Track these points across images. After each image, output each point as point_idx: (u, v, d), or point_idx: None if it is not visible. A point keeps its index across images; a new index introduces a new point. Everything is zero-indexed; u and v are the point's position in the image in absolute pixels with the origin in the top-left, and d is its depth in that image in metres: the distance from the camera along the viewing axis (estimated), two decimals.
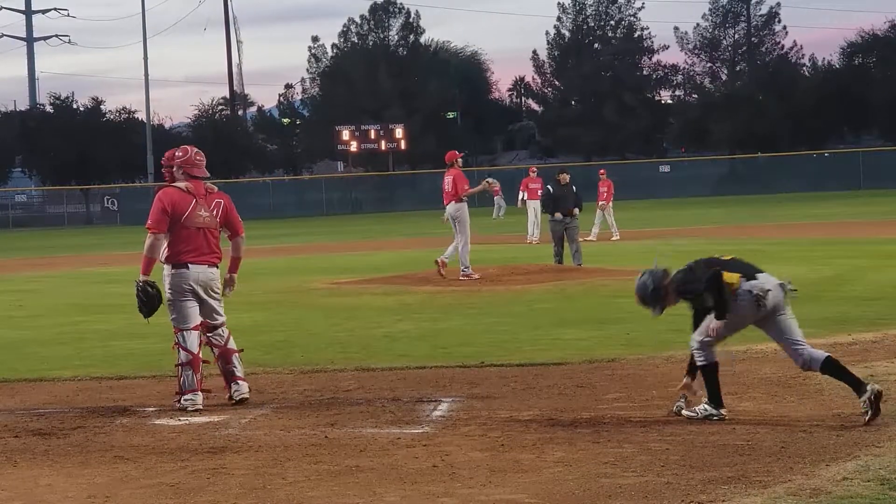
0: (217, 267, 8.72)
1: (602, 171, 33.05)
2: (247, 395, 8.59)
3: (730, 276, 7.23)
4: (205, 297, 8.62)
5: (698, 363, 7.43)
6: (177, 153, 8.80)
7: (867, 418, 6.95)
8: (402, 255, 25.46)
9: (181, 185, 8.66)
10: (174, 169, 8.76)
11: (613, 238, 29.48)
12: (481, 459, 6.55)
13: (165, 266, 8.63)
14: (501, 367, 9.82)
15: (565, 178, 21.02)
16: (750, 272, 7.35)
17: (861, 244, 23.36)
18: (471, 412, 7.92)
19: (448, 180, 18.56)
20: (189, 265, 8.54)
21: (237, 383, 8.62)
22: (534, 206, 29.47)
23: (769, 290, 7.23)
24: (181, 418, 8.16)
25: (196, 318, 8.60)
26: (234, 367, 8.66)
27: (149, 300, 8.63)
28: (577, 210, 20.60)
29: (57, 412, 8.55)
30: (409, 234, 37.61)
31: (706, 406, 7.37)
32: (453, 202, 18.40)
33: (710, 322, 7.30)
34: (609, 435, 7.04)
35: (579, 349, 10.62)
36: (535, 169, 33.10)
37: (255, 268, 23.69)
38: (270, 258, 27.27)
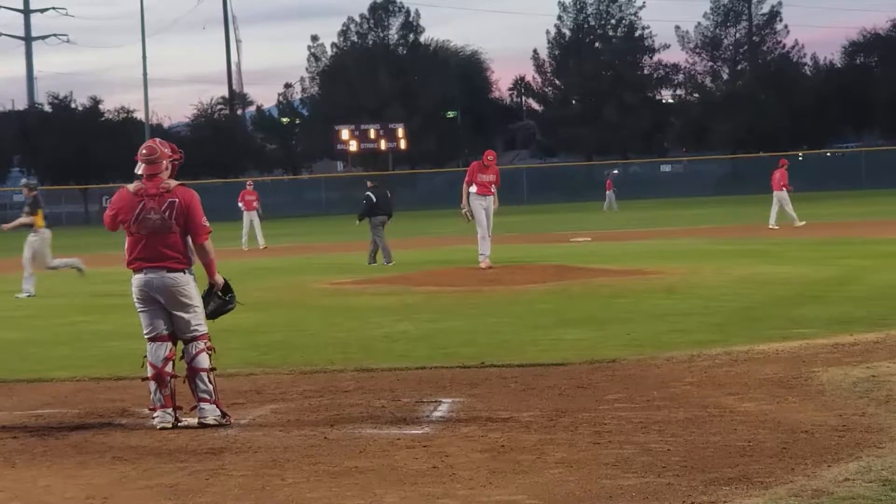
0: (183, 272, 7.85)
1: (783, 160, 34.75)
2: (210, 422, 7.74)
3: None
4: (168, 305, 7.86)
5: None
6: None
7: None
8: (402, 255, 25.39)
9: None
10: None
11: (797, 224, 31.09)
12: (481, 460, 6.52)
13: None
14: (502, 368, 9.77)
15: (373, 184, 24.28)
16: None
17: (863, 244, 23.31)
18: (471, 413, 7.89)
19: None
20: (143, 271, 7.82)
21: (200, 407, 7.80)
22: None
23: None
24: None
25: (157, 327, 7.88)
26: (197, 386, 7.81)
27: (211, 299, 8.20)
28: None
29: (55, 413, 8.51)
30: (408, 234, 37.57)
31: None
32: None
33: None
34: (610, 436, 7.00)
35: (580, 349, 10.58)
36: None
37: (255, 267, 23.68)
38: (270, 258, 27.25)
